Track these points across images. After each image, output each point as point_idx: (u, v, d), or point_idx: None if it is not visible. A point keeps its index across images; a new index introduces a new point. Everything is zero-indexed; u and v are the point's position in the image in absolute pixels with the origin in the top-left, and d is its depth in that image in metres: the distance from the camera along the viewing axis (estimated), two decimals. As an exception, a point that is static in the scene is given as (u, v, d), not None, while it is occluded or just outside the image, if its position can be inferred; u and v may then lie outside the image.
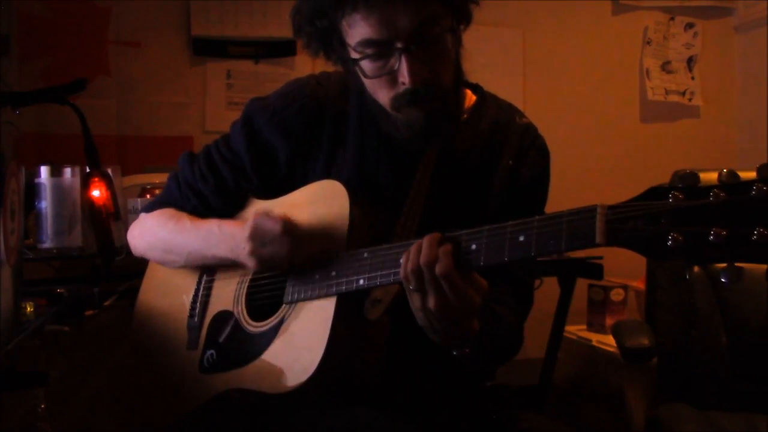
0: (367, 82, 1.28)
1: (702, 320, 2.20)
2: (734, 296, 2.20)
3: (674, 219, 0.90)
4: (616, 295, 2.93)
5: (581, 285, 2.93)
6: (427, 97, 1.24)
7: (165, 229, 1.44)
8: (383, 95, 1.27)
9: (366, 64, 1.25)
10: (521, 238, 1.03)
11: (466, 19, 1.31)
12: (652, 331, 2.23)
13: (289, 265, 1.27)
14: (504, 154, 1.37)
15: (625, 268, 2.94)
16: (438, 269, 1.07)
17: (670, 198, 0.90)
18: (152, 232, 1.47)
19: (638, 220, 0.92)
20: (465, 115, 1.40)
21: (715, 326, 2.19)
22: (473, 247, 1.07)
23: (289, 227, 1.24)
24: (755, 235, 0.84)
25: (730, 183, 0.87)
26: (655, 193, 0.93)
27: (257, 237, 1.25)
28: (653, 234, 0.91)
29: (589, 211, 0.97)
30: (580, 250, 1.01)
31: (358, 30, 1.22)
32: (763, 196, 0.85)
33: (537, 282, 2.64)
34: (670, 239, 0.89)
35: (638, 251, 0.94)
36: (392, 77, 1.24)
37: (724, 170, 0.88)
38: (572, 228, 0.98)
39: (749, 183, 0.86)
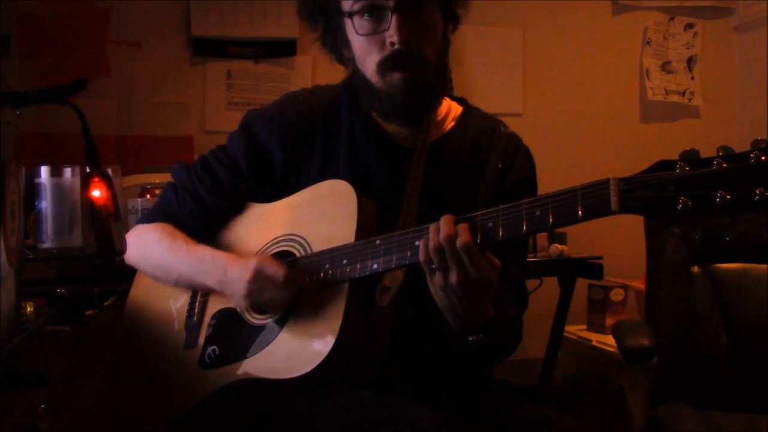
0: (358, 50, 1.36)
1: (702, 320, 2.20)
2: (734, 296, 2.21)
3: (682, 186, 0.99)
4: (616, 295, 2.93)
5: (581, 285, 2.93)
6: (410, 62, 1.31)
7: (159, 246, 1.45)
8: (371, 61, 1.34)
9: (358, 21, 1.33)
10: (537, 213, 1.09)
11: (452, 17, 1.40)
12: (652, 331, 2.23)
13: (282, 311, 1.30)
14: (491, 157, 1.43)
15: (625, 268, 2.94)
16: (459, 243, 1.12)
17: (677, 169, 1.00)
18: (146, 246, 1.49)
19: (649, 189, 1.02)
20: (452, 123, 1.46)
21: (715, 326, 2.19)
22: (489, 224, 1.13)
23: (290, 277, 1.27)
24: (757, 195, 0.95)
25: (729, 154, 0.99)
26: (662, 165, 1.02)
27: (258, 282, 1.27)
28: (664, 200, 1.00)
29: (602, 184, 1.05)
30: (596, 218, 1.08)
31: None
32: (760, 162, 0.96)
33: (537, 282, 2.66)
34: (680, 203, 0.99)
35: (651, 216, 1.03)
36: (381, 39, 1.32)
37: (720, 146, 1.00)
38: (587, 199, 1.06)
39: (746, 152, 0.98)
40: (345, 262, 1.25)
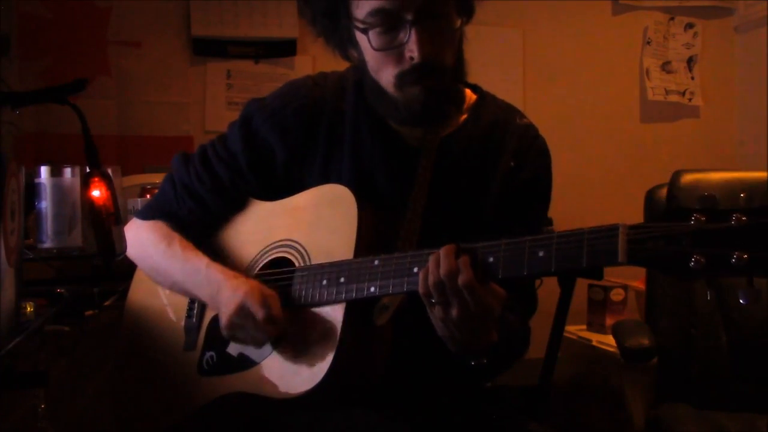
0: (371, 60, 1.29)
1: (702, 320, 2.20)
2: (734, 296, 2.20)
3: (696, 241, 0.92)
4: (616, 295, 2.93)
5: (581, 285, 2.92)
6: (431, 74, 1.25)
7: (156, 250, 1.42)
8: (388, 73, 1.27)
9: (374, 36, 1.25)
10: (540, 254, 1.04)
11: (467, 12, 1.33)
12: (652, 331, 2.23)
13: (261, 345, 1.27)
14: (504, 154, 1.36)
15: (625, 269, 2.93)
16: (461, 280, 1.06)
17: (693, 220, 0.92)
18: (143, 247, 1.46)
19: (660, 241, 0.94)
20: (464, 115, 1.39)
21: (715, 326, 2.19)
22: (490, 259, 1.08)
23: (272, 319, 1.22)
24: None
25: (750, 207, 0.89)
26: (677, 214, 0.94)
27: (239, 316, 1.24)
28: (676, 254, 0.92)
29: (610, 230, 0.98)
30: (601, 267, 1.02)
31: (368, 1, 1.23)
32: None
33: (537, 282, 2.65)
34: (693, 261, 0.91)
35: (660, 271, 0.96)
36: (399, 53, 1.25)
37: (742, 194, 0.91)
38: (593, 246, 0.99)
39: None
40: (342, 280, 1.21)
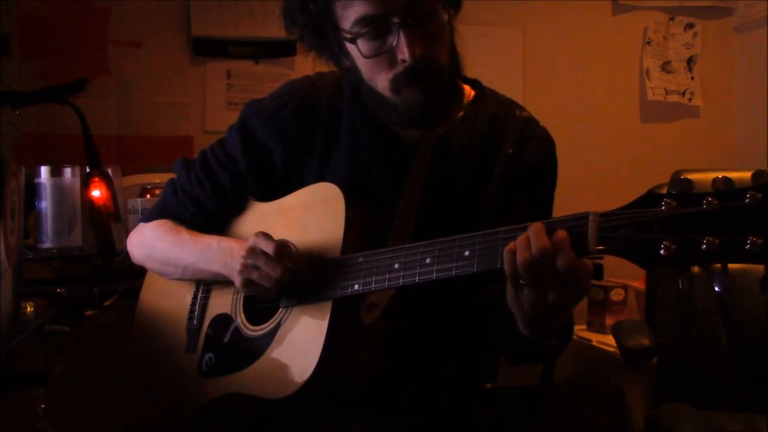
0: (364, 68, 1.28)
1: (702, 320, 2.21)
2: (734, 296, 2.21)
3: (666, 227, 0.88)
4: (616, 295, 2.93)
5: (581, 285, 2.92)
6: (425, 74, 1.24)
7: (163, 242, 1.43)
8: (382, 78, 1.27)
9: (363, 44, 1.24)
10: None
11: (454, 4, 1.31)
12: (652, 331, 2.24)
13: (275, 292, 1.25)
14: (503, 145, 1.35)
15: (625, 268, 2.91)
16: (561, 262, 0.97)
17: (663, 205, 0.89)
18: (150, 244, 1.47)
19: (630, 228, 0.91)
20: (462, 112, 1.38)
21: (715, 326, 2.20)
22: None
23: (283, 251, 1.22)
24: (748, 244, 0.82)
25: (724, 190, 0.85)
26: (649, 199, 0.91)
27: (252, 256, 1.23)
28: (645, 242, 0.89)
29: (581, 218, 0.95)
30: None
31: (353, 9, 1.23)
32: (756, 203, 0.82)
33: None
34: (662, 248, 0.87)
35: (630, 259, 0.92)
36: (390, 56, 1.24)
37: (719, 176, 0.87)
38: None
39: (743, 190, 0.84)
40: (330, 279, 1.21)
